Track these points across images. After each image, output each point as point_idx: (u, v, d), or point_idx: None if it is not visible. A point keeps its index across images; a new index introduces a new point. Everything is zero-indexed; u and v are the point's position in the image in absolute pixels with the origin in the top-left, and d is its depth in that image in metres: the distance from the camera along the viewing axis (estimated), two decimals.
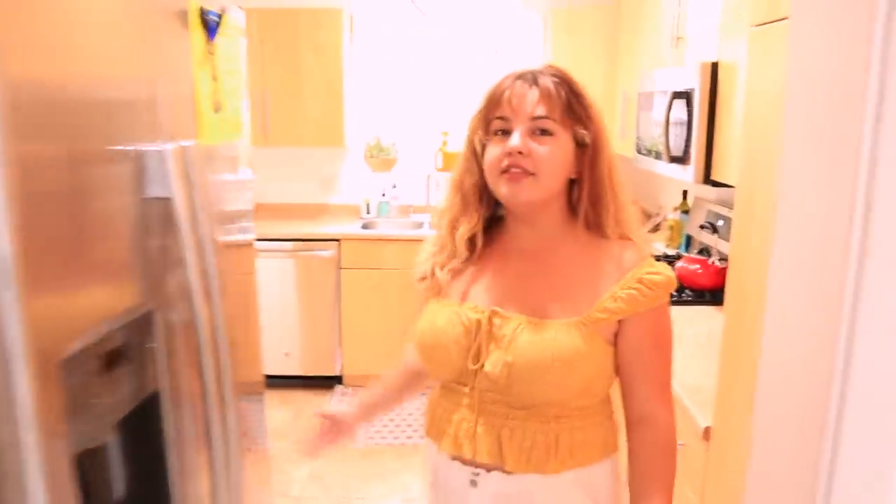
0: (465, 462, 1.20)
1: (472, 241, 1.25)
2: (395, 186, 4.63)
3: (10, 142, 0.77)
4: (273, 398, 4.31)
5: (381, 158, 4.60)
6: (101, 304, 0.95)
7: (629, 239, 1.23)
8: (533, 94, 1.15)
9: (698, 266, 2.70)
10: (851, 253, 0.65)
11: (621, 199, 1.23)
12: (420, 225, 4.46)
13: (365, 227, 4.39)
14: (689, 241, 3.32)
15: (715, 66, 2.38)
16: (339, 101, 4.24)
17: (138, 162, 1.02)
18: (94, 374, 0.93)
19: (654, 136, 2.89)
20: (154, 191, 1.03)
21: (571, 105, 1.16)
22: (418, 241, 4.51)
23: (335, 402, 4.06)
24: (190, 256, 1.06)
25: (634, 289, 1.16)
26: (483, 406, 1.18)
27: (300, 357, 4.24)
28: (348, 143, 4.41)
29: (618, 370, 1.23)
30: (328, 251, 4.10)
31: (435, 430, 1.26)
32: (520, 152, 1.13)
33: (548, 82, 1.16)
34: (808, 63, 0.80)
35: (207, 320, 1.10)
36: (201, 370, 1.11)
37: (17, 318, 0.78)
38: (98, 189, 0.95)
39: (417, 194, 4.66)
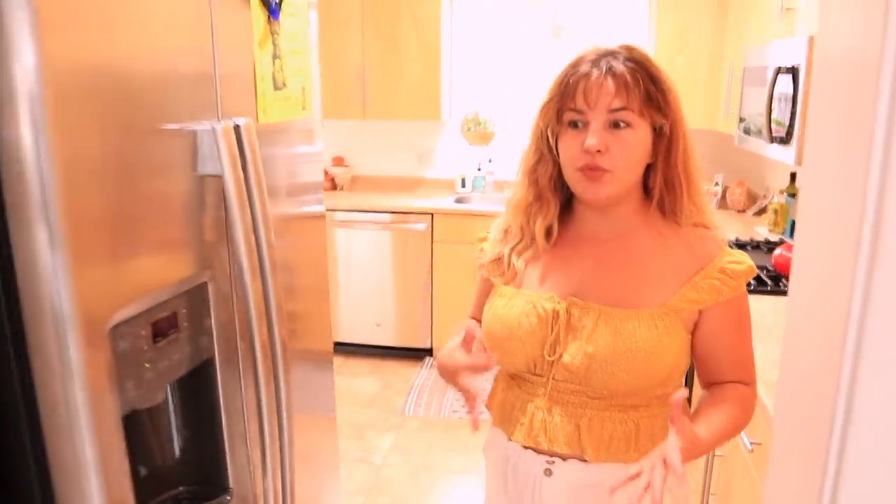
0: (538, 451, 1.19)
1: (548, 231, 1.23)
2: (490, 161, 4.61)
3: (59, 115, 0.82)
4: (363, 367, 4.46)
5: (478, 132, 4.59)
6: (152, 275, 1.02)
7: (704, 226, 1.20)
8: (609, 84, 1.09)
9: None
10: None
11: (695, 184, 1.19)
12: None
13: (458, 201, 4.41)
14: (793, 225, 3.11)
15: None
16: (436, 74, 4.26)
17: (191, 140, 1.07)
18: (145, 340, 1.00)
19: (757, 115, 2.71)
20: (206, 168, 1.07)
21: (650, 93, 1.11)
22: None
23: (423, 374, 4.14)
24: (239, 232, 1.10)
25: (717, 279, 1.14)
26: (559, 396, 1.17)
27: (392, 328, 4.34)
28: (445, 117, 4.43)
29: (697, 356, 1.20)
30: (421, 224, 4.15)
31: (506, 420, 1.24)
32: (598, 150, 1.09)
33: (624, 69, 1.10)
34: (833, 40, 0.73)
35: (258, 294, 1.15)
36: (251, 341, 1.16)
37: (67, 287, 0.84)
38: (151, 165, 1.00)
39: (514, 169, 4.60)
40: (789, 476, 0.82)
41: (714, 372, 1.21)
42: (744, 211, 3.84)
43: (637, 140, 1.12)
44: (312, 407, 1.82)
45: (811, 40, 2.20)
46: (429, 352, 4.35)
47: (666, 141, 1.15)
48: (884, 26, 0.56)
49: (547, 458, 1.19)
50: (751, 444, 1.72)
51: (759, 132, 2.72)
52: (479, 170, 4.62)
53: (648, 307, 1.14)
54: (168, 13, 1.03)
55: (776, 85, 2.45)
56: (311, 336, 1.75)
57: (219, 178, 1.09)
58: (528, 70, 4.49)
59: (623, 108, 1.09)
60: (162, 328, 1.02)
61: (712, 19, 3.70)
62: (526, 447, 1.20)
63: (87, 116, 0.88)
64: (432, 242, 4.17)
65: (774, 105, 2.49)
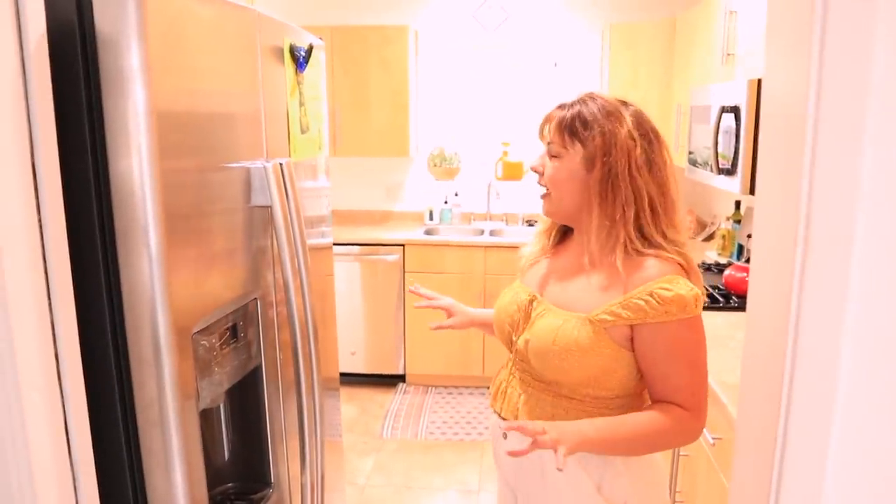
0: (501, 416, 1.45)
1: (550, 238, 1.49)
2: (457, 194, 4.84)
3: (159, 150, 1.00)
4: (340, 394, 4.56)
5: (444, 168, 4.82)
6: (219, 290, 1.19)
7: (679, 253, 1.29)
8: (549, 123, 1.37)
9: (745, 274, 2.80)
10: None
11: (625, 214, 1.27)
12: (480, 232, 4.64)
13: (428, 233, 4.61)
14: (741, 249, 3.41)
15: (761, 83, 2.49)
16: (404, 113, 4.48)
17: (246, 176, 1.25)
18: (214, 347, 1.16)
19: (704, 148, 3.00)
20: (258, 200, 1.26)
21: (574, 130, 1.30)
22: (479, 246, 4.67)
23: (397, 402, 4.28)
24: (286, 256, 1.28)
25: (643, 300, 1.23)
26: (514, 372, 1.44)
27: (366, 356, 4.48)
28: (413, 153, 4.65)
29: (640, 371, 1.31)
30: (393, 255, 4.33)
31: (492, 385, 1.52)
32: (533, 169, 1.38)
33: (564, 113, 1.33)
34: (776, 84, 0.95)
35: (300, 311, 1.33)
36: (296, 352, 1.33)
37: (163, 300, 1.01)
38: (217, 197, 1.18)
39: (478, 202, 4.86)
40: (748, 462, 1.00)
41: (653, 390, 1.31)
42: (694, 237, 4.14)
43: (564, 167, 1.32)
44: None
45: (751, 83, 2.49)
46: (402, 378, 4.50)
47: (596, 174, 1.28)
48: (807, 75, 0.78)
49: (501, 422, 1.43)
50: (713, 439, 1.95)
51: (706, 164, 3.01)
52: (445, 203, 4.84)
53: (579, 312, 1.30)
54: (229, 68, 1.23)
55: (721, 122, 2.74)
56: (322, 363, 1.89)
57: (267, 208, 1.27)
58: (490, 109, 4.76)
59: (552, 142, 1.35)
60: (226, 337, 1.19)
61: (662, 60, 4.03)
62: (495, 411, 1.47)
63: (177, 152, 1.05)
64: (404, 272, 4.35)
65: (720, 140, 2.78)
